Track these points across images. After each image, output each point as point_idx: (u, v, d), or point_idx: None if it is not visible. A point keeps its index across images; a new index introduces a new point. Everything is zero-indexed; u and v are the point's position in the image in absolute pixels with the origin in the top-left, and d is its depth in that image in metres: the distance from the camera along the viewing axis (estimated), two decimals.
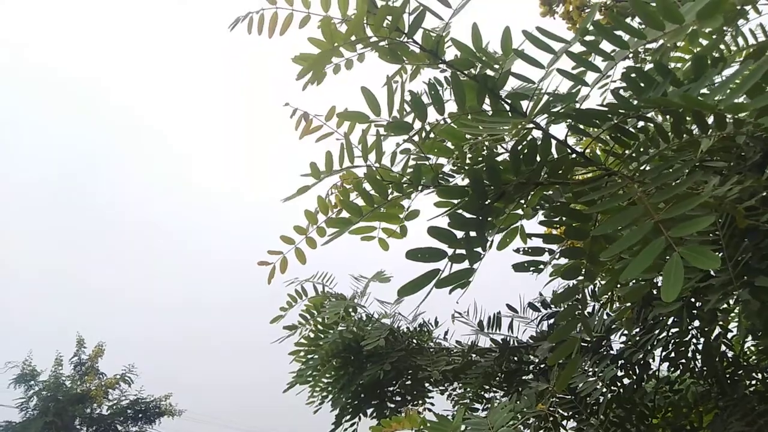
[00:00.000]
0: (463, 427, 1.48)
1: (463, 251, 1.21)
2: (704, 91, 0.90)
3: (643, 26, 1.08)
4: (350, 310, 2.83)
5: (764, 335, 1.85)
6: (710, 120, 1.13)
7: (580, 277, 1.26)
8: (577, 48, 1.09)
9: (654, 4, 0.91)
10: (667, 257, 0.72)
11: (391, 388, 2.86)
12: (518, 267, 1.43)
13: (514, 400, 1.73)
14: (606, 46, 1.38)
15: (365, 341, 2.47)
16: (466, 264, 1.25)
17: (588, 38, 1.16)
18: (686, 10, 0.85)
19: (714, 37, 1.46)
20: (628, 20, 1.58)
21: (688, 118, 1.17)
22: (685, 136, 1.09)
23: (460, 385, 2.84)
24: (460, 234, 1.19)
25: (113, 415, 14.28)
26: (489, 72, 1.12)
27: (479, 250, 1.28)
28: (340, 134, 1.31)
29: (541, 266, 1.47)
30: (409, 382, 2.89)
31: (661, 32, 0.90)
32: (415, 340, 2.84)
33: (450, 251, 1.18)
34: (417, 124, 1.26)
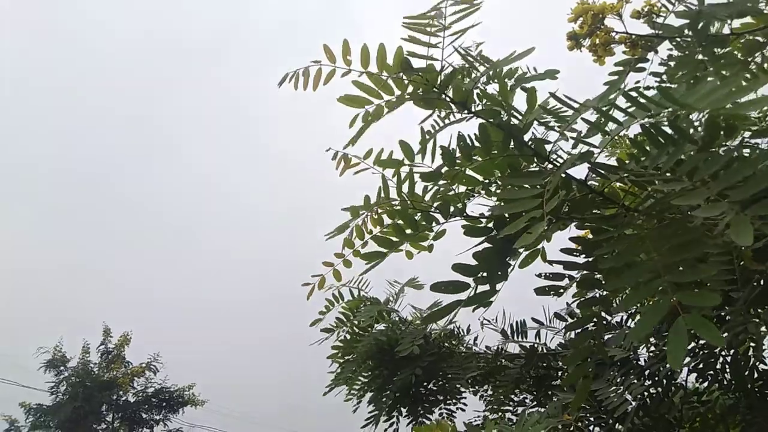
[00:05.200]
0: None
1: (486, 274, 1.32)
2: None
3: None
4: (384, 314, 2.95)
5: None
6: None
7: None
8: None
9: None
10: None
11: (424, 390, 2.97)
12: (540, 291, 1.53)
13: (545, 414, 1.82)
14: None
15: (398, 348, 2.58)
16: (488, 286, 1.36)
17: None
18: (699, 97, 0.88)
19: None
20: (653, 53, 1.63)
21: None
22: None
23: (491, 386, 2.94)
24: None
25: (138, 403, 14.63)
26: (514, 120, 1.21)
27: (501, 274, 1.38)
28: (376, 170, 1.43)
29: (561, 290, 1.56)
30: (441, 382, 3.00)
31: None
32: (445, 344, 2.94)
33: (472, 281, 1.28)
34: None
